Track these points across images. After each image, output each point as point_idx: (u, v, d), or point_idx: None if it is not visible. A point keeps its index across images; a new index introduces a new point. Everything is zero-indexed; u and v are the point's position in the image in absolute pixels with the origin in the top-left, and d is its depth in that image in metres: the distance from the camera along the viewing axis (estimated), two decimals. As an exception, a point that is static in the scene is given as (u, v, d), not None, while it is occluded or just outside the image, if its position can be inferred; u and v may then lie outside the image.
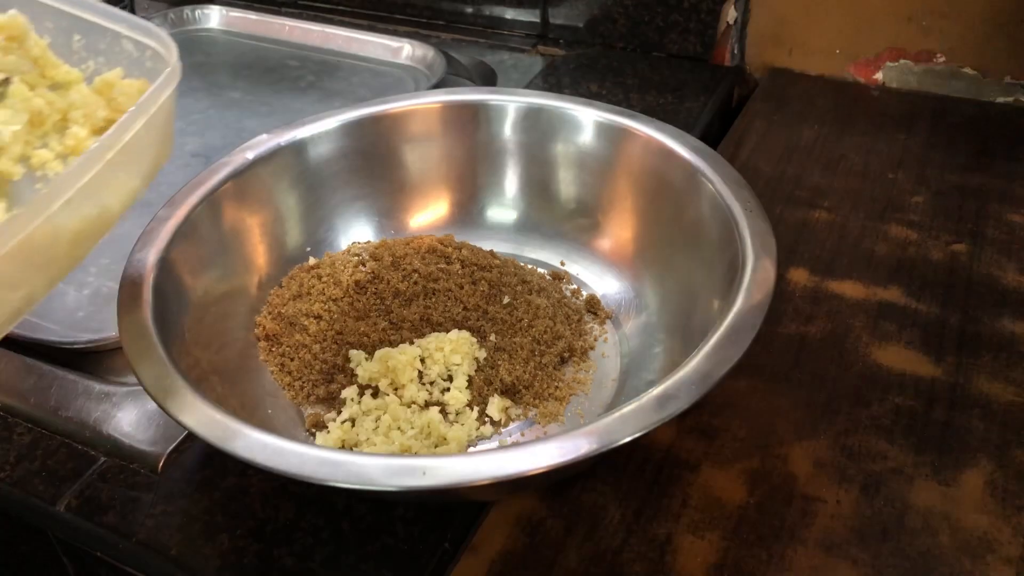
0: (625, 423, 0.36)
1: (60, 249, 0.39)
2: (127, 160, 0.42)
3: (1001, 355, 0.53)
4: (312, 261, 0.59)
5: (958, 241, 0.62)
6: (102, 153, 0.39)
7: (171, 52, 0.45)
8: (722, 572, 0.41)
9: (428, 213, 0.64)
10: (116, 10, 0.48)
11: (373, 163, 0.62)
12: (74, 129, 0.47)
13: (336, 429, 0.48)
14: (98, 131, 0.48)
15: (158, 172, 0.46)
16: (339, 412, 0.50)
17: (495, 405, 0.50)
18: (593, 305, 0.57)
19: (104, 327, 0.58)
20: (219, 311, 0.52)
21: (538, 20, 0.97)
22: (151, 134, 0.43)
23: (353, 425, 0.48)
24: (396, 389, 0.50)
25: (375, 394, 0.50)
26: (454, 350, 0.51)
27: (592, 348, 0.55)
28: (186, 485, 0.46)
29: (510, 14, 0.98)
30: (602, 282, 0.59)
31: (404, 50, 0.96)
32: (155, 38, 0.47)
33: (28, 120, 0.46)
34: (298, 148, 0.59)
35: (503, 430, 0.49)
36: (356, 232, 0.62)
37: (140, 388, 0.41)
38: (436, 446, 0.47)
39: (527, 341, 0.53)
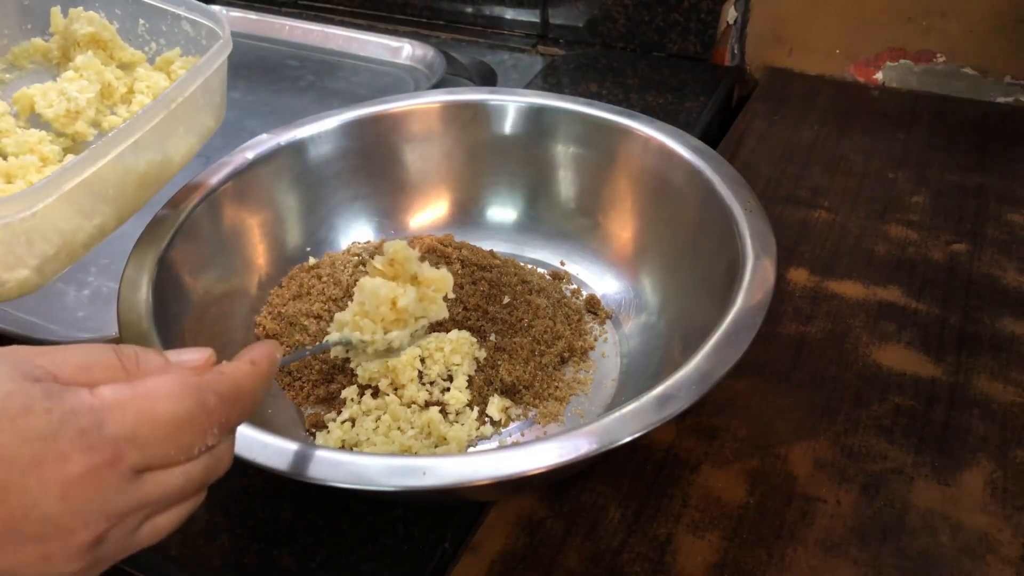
0: (625, 423, 0.36)
1: (129, 187, 0.45)
2: (186, 116, 0.48)
3: (1001, 355, 0.53)
4: (312, 261, 0.59)
5: (958, 241, 0.62)
6: (166, 104, 0.45)
7: (224, 28, 0.52)
8: (722, 572, 0.41)
9: (428, 213, 0.64)
10: None
11: (373, 163, 0.62)
12: (139, 98, 0.53)
13: (336, 429, 0.48)
14: None
15: (211, 135, 0.52)
16: (339, 412, 0.50)
17: (495, 405, 0.50)
18: (593, 305, 0.57)
19: (104, 327, 0.58)
20: (219, 311, 0.52)
21: (538, 20, 0.97)
22: (206, 96, 0.49)
23: (353, 425, 0.48)
24: (396, 389, 0.50)
25: (375, 394, 0.50)
26: (454, 350, 0.51)
27: (592, 348, 0.55)
28: (186, 485, 0.46)
29: (510, 14, 0.98)
30: (602, 282, 0.59)
31: (404, 50, 0.96)
32: (209, 17, 0.53)
33: (100, 91, 0.52)
34: (298, 148, 0.59)
35: (503, 430, 0.49)
36: (356, 232, 0.62)
37: (140, 388, 0.41)
38: (436, 446, 0.47)
39: (527, 341, 0.52)
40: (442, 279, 0.44)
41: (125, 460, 0.26)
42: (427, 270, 0.44)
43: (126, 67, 0.55)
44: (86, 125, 0.51)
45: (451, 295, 0.44)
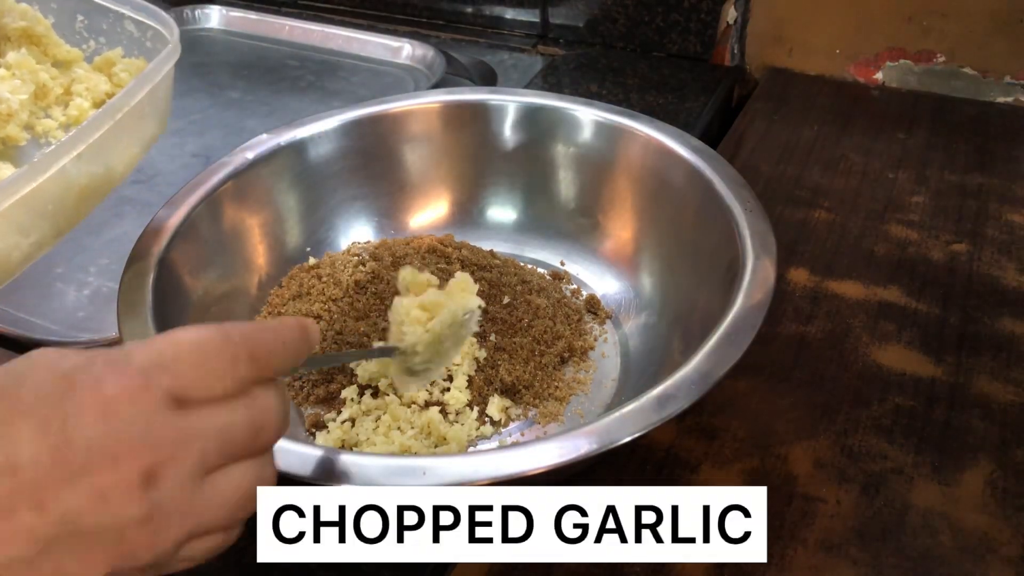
0: (625, 423, 0.36)
1: (69, 202, 0.42)
2: (131, 126, 0.45)
3: (1001, 355, 0.53)
4: (312, 261, 0.59)
5: (958, 241, 0.62)
6: (111, 114, 0.42)
7: (172, 31, 0.48)
8: (722, 572, 0.41)
9: (428, 213, 0.64)
10: None
11: (373, 163, 0.62)
12: (77, 101, 0.50)
13: (336, 429, 0.48)
14: (99, 104, 0.51)
15: (155, 142, 0.49)
16: (339, 412, 0.50)
17: (495, 405, 0.50)
18: (593, 305, 0.57)
19: (104, 327, 0.57)
20: (219, 311, 0.52)
21: (538, 20, 0.97)
22: (152, 104, 0.46)
23: (353, 425, 0.48)
24: (396, 389, 0.50)
25: (375, 394, 0.50)
26: (454, 350, 0.51)
27: (592, 348, 0.55)
28: (186, 485, 0.46)
29: (510, 14, 0.98)
30: (602, 282, 0.59)
31: (404, 50, 0.96)
32: (156, 18, 0.50)
33: (33, 92, 0.49)
34: (298, 148, 0.59)
35: (503, 430, 0.49)
36: (356, 232, 0.62)
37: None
38: (436, 446, 0.47)
39: (527, 341, 0.52)
40: (462, 281, 0.42)
41: (157, 383, 0.27)
42: (453, 290, 0.42)
43: (61, 65, 0.52)
44: (18, 129, 0.48)
45: (475, 298, 0.42)
